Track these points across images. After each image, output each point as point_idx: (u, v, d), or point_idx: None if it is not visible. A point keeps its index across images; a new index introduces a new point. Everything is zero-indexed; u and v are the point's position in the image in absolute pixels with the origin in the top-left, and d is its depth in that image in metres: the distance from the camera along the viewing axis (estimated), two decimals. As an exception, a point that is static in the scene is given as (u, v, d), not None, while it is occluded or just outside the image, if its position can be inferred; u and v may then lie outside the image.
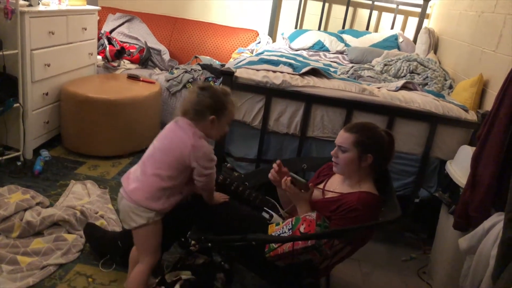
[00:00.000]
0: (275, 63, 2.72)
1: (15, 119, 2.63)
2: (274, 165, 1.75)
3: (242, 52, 3.95)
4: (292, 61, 2.94)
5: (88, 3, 3.42)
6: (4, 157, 2.60)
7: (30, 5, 2.63)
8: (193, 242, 1.94)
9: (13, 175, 2.52)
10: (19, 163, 2.65)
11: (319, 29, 4.28)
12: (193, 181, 1.60)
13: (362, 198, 1.59)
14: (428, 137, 2.26)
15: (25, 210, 2.05)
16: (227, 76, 2.30)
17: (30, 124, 2.71)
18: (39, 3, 2.75)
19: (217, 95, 1.54)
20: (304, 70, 2.46)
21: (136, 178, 1.55)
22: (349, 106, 2.28)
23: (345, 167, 1.67)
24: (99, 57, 3.73)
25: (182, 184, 1.57)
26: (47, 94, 2.85)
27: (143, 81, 3.37)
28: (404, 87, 2.49)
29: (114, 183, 2.62)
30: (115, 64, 3.71)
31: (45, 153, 2.80)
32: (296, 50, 3.88)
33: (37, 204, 2.14)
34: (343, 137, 1.67)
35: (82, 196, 2.37)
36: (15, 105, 2.55)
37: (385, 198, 1.68)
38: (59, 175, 2.62)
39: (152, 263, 1.60)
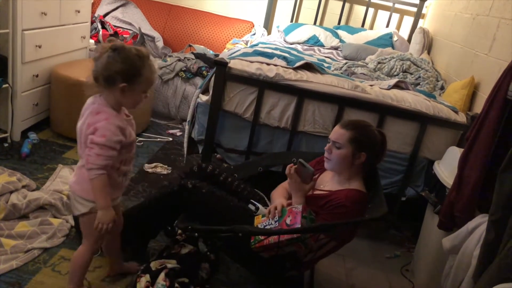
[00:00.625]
0: (269, 55, 2.71)
1: (4, 100, 2.59)
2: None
3: (237, 43, 3.93)
4: (287, 55, 2.94)
5: (83, -15, 3.37)
6: (-9, 138, 2.58)
7: (22, -16, 2.58)
8: (179, 231, 1.96)
9: (-1, 156, 2.49)
10: (6, 145, 2.62)
11: (314, 23, 4.28)
12: (129, 161, 1.51)
13: (350, 195, 1.60)
14: (417, 137, 2.28)
15: (11, 192, 2.02)
16: (221, 66, 2.29)
17: (19, 106, 2.67)
18: (32, -17, 2.70)
19: (130, 59, 1.35)
20: (298, 64, 2.45)
21: (76, 169, 1.51)
22: (341, 102, 2.28)
23: (338, 164, 1.68)
24: (92, 41, 3.68)
25: (112, 168, 1.43)
26: (37, 76, 2.80)
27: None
28: (396, 86, 2.50)
29: (102, 169, 2.60)
30: (108, 48, 3.66)
31: (33, 135, 2.77)
32: (291, 44, 3.87)
33: (23, 187, 2.12)
34: (338, 133, 1.67)
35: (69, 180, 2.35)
36: (3, 85, 2.51)
37: (373, 195, 1.70)
38: (46, 158, 2.60)
39: (95, 249, 1.56)
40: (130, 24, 4.04)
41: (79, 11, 3.18)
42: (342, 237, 1.66)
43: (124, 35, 3.89)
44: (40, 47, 2.74)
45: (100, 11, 4.15)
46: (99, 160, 1.36)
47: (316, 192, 1.73)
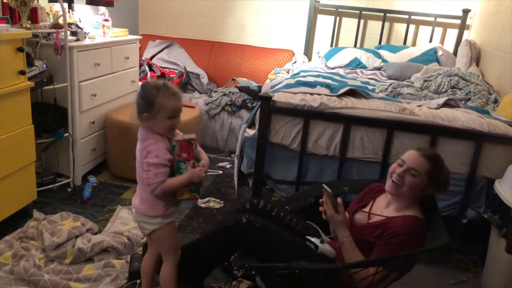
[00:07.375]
0: (312, 84, 2.73)
1: (65, 148, 2.77)
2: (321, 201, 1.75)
3: (279, 73, 3.98)
4: (329, 81, 2.95)
5: (130, 33, 3.58)
6: (56, 184, 2.74)
7: (77, 40, 2.79)
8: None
9: (64, 201, 2.64)
10: (69, 190, 2.79)
11: (355, 46, 4.26)
12: None
13: (407, 222, 1.56)
14: (473, 156, 2.19)
15: (77, 237, 2.14)
16: (265, 100, 2.33)
17: (79, 152, 2.84)
18: (85, 37, 2.91)
19: (147, 92, 1.57)
20: (341, 91, 2.45)
21: (137, 192, 1.72)
22: (389, 126, 2.24)
23: (407, 192, 1.63)
24: (141, 83, 3.86)
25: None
26: (93, 122, 2.99)
27: (183, 106, 3.45)
28: (446, 104, 2.43)
29: (158, 207, 2.69)
30: (156, 89, 3.83)
31: (92, 179, 2.92)
32: (333, 69, 3.88)
33: (87, 230, 2.24)
34: (418, 161, 1.61)
35: (128, 221, 2.45)
36: (65, 134, 2.69)
37: (431, 221, 1.64)
38: (106, 200, 2.73)
39: (175, 261, 1.71)
40: (175, 64, 4.21)
41: (128, 58, 3.37)
42: (401, 267, 1.61)
43: (170, 75, 4.07)
44: (95, 95, 2.92)
45: (147, 55, 4.37)
46: (157, 177, 1.56)
47: (372, 220, 1.70)
